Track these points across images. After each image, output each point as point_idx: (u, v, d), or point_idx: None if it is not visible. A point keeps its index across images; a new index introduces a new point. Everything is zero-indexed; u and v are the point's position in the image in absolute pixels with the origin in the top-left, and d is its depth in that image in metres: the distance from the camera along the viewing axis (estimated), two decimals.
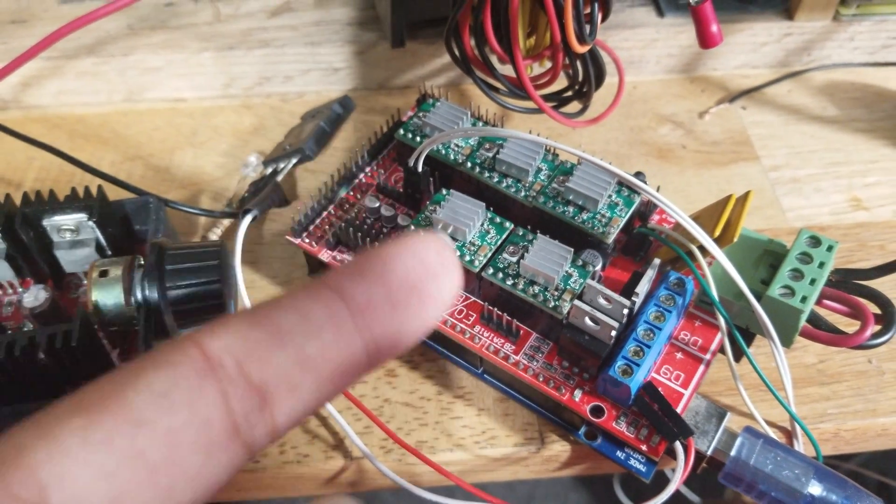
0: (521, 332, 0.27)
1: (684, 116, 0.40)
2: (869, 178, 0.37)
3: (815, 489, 0.24)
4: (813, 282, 0.26)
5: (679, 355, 0.27)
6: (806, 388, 0.30)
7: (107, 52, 0.38)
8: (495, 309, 0.27)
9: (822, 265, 0.26)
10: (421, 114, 0.32)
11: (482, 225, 0.28)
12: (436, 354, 0.30)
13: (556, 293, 0.26)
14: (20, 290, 0.30)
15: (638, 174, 0.29)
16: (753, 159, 0.38)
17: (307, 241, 0.30)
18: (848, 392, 0.29)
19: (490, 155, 0.30)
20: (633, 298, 0.25)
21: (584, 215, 0.28)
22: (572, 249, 0.27)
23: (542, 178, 0.29)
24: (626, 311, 0.25)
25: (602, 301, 0.25)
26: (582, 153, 0.25)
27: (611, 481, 0.55)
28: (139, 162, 0.38)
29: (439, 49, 0.39)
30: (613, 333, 0.25)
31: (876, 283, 0.26)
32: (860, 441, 0.30)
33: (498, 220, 0.28)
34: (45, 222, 0.29)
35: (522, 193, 0.29)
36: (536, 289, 0.26)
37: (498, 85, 0.33)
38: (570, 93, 0.34)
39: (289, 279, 0.33)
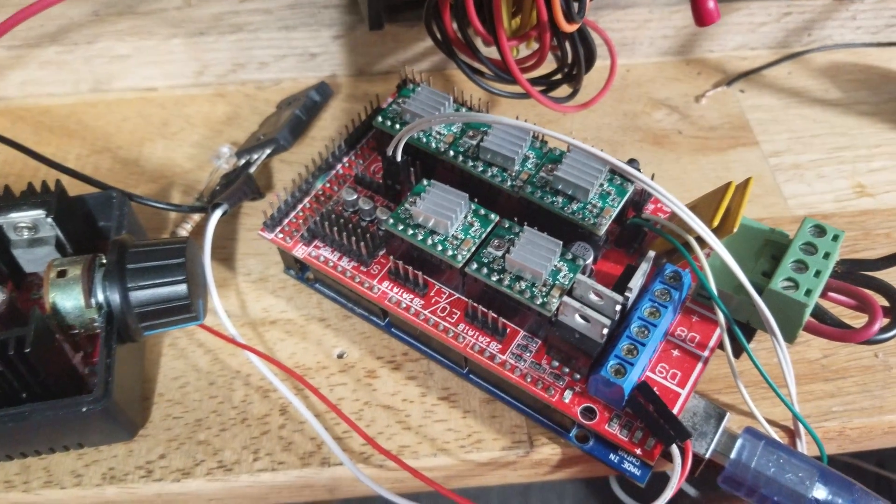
0: (508, 330, 0.27)
1: (680, 101, 0.39)
2: (874, 163, 0.36)
3: (821, 493, 0.23)
4: (818, 274, 0.25)
5: (675, 353, 0.26)
6: (809, 384, 0.29)
7: (70, 39, 0.37)
8: (480, 306, 0.26)
9: (827, 256, 0.25)
10: (400, 100, 0.30)
11: (466, 217, 0.27)
12: (418, 354, 0.29)
13: (544, 289, 0.25)
14: None
15: (631, 161, 0.28)
16: (753, 145, 0.37)
17: (280, 236, 0.29)
18: (853, 388, 0.28)
19: (474, 143, 0.29)
20: (626, 294, 0.25)
21: (574, 206, 0.27)
22: (561, 242, 0.26)
23: (530, 166, 0.28)
24: (618, 308, 0.24)
25: (593, 297, 0.24)
26: (572, 140, 0.24)
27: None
28: (107, 155, 0.36)
29: (421, 32, 0.38)
30: (605, 331, 0.24)
31: (883, 274, 0.26)
32: (866, 439, 0.29)
33: (482, 211, 0.27)
34: (0, 220, 0.27)
35: (508, 183, 0.28)
36: (523, 285, 0.25)
37: (482, 68, 0.32)
38: (559, 76, 0.33)
39: (264, 277, 0.32)
